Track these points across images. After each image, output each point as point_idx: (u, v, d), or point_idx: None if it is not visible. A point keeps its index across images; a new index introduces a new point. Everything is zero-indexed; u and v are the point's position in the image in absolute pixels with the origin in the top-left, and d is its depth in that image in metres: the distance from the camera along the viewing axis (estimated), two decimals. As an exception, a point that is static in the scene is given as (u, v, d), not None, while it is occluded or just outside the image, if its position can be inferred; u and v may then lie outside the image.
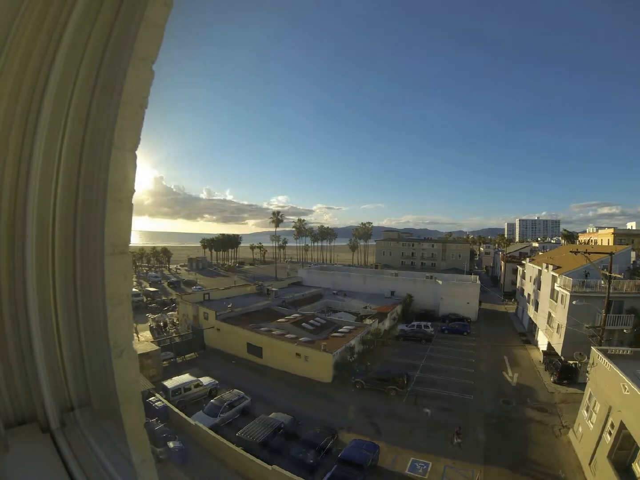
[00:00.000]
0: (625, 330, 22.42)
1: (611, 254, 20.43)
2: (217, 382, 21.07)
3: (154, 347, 22.99)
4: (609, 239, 58.52)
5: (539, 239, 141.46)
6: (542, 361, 26.52)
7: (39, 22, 1.01)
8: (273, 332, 26.44)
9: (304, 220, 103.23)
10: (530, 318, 35.69)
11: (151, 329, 32.03)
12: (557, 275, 27.08)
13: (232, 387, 20.77)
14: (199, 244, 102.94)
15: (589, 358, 17.09)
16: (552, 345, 26.32)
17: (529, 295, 37.42)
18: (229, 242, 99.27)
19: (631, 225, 73.52)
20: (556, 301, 26.54)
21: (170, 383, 19.42)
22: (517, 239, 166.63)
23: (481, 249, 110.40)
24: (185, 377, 20.41)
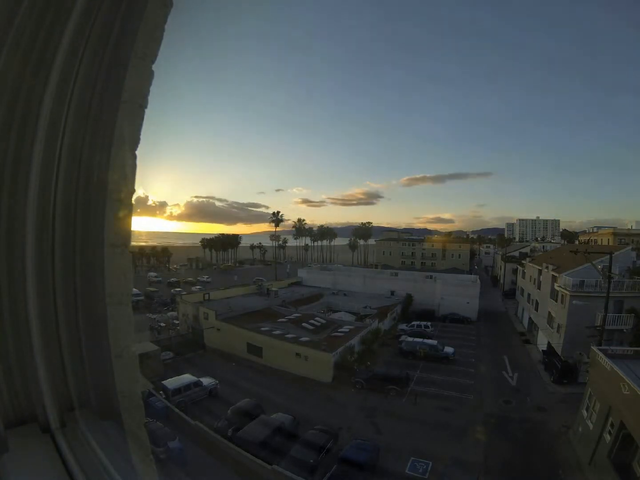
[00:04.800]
0: (625, 330, 22.44)
1: (611, 253, 20.42)
2: (217, 382, 21.06)
3: (154, 347, 22.98)
4: (609, 239, 58.55)
5: (538, 238, 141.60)
6: (542, 361, 26.52)
7: (38, 22, 1.01)
8: (273, 332, 26.44)
9: (304, 220, 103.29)
10: (530, 318, 35.71)
11: (151, 329, 32.00)
12: (557, 275, 27.09)
13: (233, 387, 20.79)
14: (198, 244, 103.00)
15: (588, 358, 17.10)
16: (552, 345, 26.33)
17: (529, 295, 37.44)
18: (229, 242, 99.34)
19: (631, 225, 73.56)
20: (556, 301, 26.55)
21: (170, 383, 19.40)
22: (517, 239, 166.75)
23: (481, 248, 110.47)
24: (185, 377, 20.39)
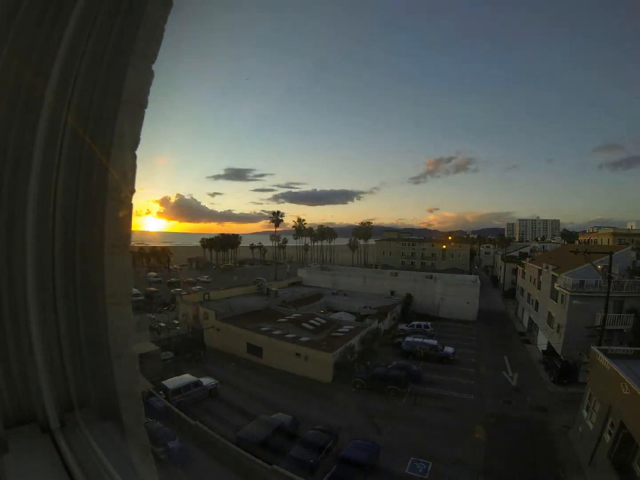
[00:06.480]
0: (624, 330, 22.44)
1: (611, 253, 20.41)
2: (217, 382, 21.06)
3: (154, 347, 22.97)
4: (608, 239, 58.57)
5: (538, 238, 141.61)
6: (542, 361, 26.51)
7: (38, 22, 1.01)
8: (273, 332, 26.44)
9: (304, 220, 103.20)
10: (530, 318, 35.70)
11: (151, 329, 31.98)
12: (557, 275, 27.09)
13: (233, 387, 20.80)
14: (198, 244, 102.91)
15: (588, 358, 17.10)
16: (552, 345, 26.33)
17: (529, 295, 37.44)
18: (229, 242, 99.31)
19: (631, 225, 73.59)
20: (556, 301, 26.55)
21: (170, 383, 19.40)
22: (517, 239, 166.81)
23: (481, 248, 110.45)
24: (185, 377, 20.39)
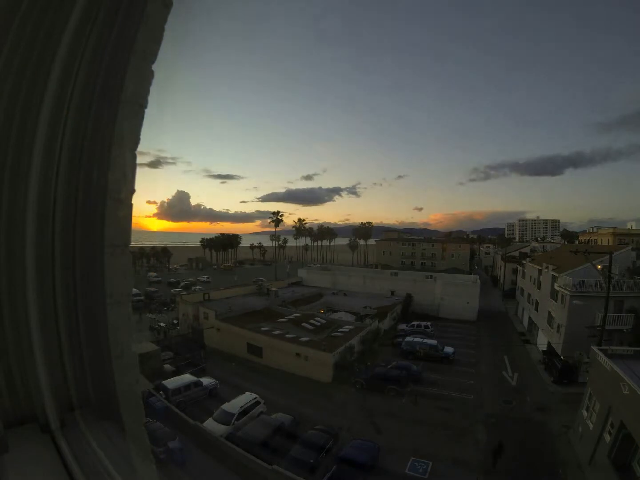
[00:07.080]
0: (625, 330, 22.45)
1: (611, 253, 20.41)
2: (217, 382, 21.06)
3: (154, 347, 22.97)
4: (608, 239, 58.58)
5: (538, 238, 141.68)
6: (542, 361, 26.52)
7: (38, 22, 1.01)
8: (273, 332, 26.44)
9: (304, 220, 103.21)
10: (530, 318, 35.71)
11: (151, 329, 32.00)
12: (557, 275, 27.09)
13: (233, 387, 20.79)
14: (198, 244, 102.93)
15: (588, 358, 17.10)
16: (552, 345, 26.33)
17: (529, 295, 37.44)
18: (229, 242, 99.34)
19: (631, 225, 73.59)
20: (556, 301, 26.55)
21: (170, 383, 19.41)
22: (517, 239, 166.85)
23: (481, 248, 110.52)
24: (185, 377, 20.39)
